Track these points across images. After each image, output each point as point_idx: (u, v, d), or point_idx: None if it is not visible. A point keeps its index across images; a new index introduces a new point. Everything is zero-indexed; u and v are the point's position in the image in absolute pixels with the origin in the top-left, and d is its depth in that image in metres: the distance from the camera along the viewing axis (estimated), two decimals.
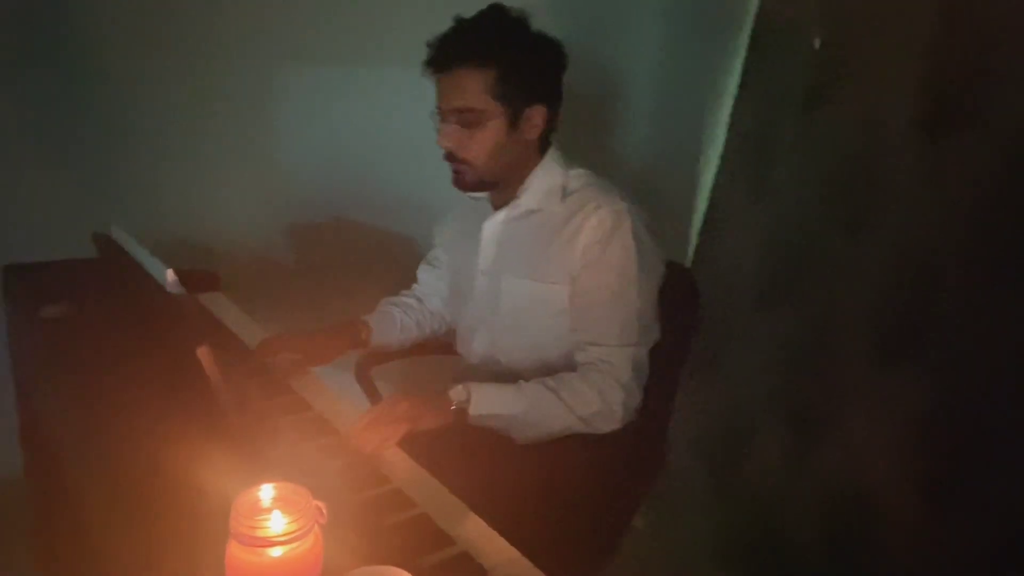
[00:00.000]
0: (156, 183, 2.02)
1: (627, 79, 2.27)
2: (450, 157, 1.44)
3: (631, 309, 1.41)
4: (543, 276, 1.45)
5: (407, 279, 2.06)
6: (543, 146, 1.48)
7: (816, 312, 1.97)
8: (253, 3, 2.01)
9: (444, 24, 1.43)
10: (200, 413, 1.06)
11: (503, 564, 1.05)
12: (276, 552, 0.85)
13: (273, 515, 0.87)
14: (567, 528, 1.37)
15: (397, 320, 1.68)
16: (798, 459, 2.00)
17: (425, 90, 2.12)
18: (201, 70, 2.02)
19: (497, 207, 1.52)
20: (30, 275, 1.82)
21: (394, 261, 2.24)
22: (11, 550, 1.76)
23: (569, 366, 1.44)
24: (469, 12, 1.42)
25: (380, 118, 2.14)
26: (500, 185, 1.48)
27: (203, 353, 1.09)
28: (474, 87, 1.37)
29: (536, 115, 1.42)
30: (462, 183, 1.46)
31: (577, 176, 1.48)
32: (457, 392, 1.34)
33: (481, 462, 1.39)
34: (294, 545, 0.86)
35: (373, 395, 1.74)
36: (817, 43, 1.96)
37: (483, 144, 1.40)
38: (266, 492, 0.88)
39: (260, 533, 0.85)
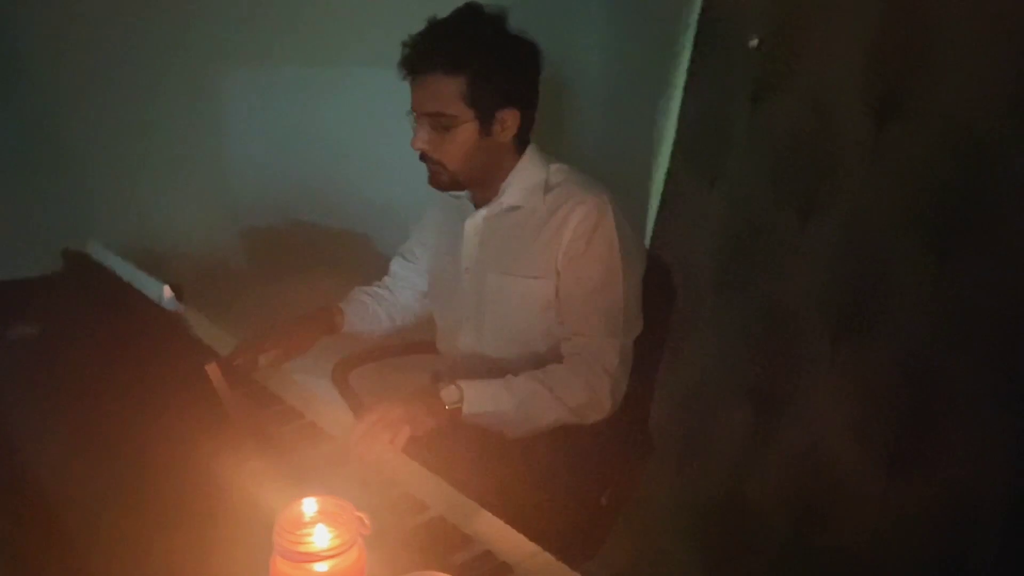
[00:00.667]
0: (116, 195, 1.97)
1: (577, 73, 2.30)
2: (424, 158, 1.46)
3: (616, 300, 1.45)
4: (528, 271, 1.48)
5: (364, 277, 2.06)
6: (521, 144, 1.50)
7: (772, 293, 2.05)
8: (197, 4, 1.97)
9: (398, 22, 1.43)
10: (211, 430, 1.05)
11: (526, 559, 1.08)
12: (322, 567, 0.86)
13: (317, 529, 0.88)
14: (562, 516, 1.41)
15: (370, 308, 1.70)
16: (761, 435, 2.08)
17: (378, 88, 2.12)
18: (145, 76, 1.97)
19: (478, 204, 1.55)
20: None
21: (351, 260, 2.24)
22: None
23: (556, 359, 1.47)
24: (422, 11, 1.41)
25: (333, 118, 2.13)
26: (478, 184, 1.50)
27: (212, 370, 1.09)
28: (445, 93, 1.39)
29: (508, 118, 1.44)
30: (437, 182, 1.48)
31: (558, 171, 1.51)
32: (449, 392, 1.35)
33: (470, 459, 1.40)
34: (339, 559, 0.87)
35: (351, 399, 1.74)
36: (755, 42, 2.03)
37: (455, 147, 1.42)
38: (309, 506, 0.88)
39: (304, 548, 0.86)
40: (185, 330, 1.14)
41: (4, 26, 1.85)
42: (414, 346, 1.83)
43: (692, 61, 2.19)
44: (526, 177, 1.50)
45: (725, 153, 2.14)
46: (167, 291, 1.16)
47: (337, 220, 2.22)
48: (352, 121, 2.12)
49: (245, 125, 2.09)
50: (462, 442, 1.41)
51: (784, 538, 2.05)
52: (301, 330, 1.59)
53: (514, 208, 1.50)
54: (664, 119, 2.27)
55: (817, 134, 1.96)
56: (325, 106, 2.12)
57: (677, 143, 2.26)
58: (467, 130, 1.41)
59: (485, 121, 1.41)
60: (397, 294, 1.74)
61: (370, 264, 2.18)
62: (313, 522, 0.88)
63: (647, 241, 2.29)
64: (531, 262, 1.47)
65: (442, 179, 1.46)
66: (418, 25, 1.43)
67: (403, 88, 2.12)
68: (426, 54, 1.38)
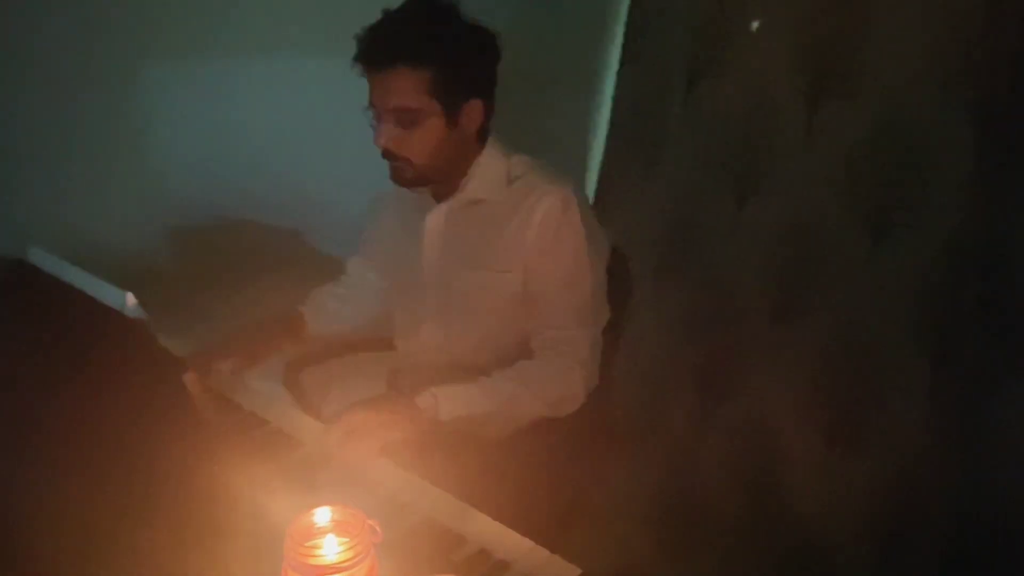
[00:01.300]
0: (46, 198, 1.85)
1: (509, 59, 2.28)
2: (387, 154, 1.41)
3: (585, 291, 1.45)
4: (495, 265, 1.46)
5: (303, 275, 1.99)
6: (482, 136, 1.48)
7: (712, 277, 2.09)
8: None
9: (336, 9, 1.37)
10: (195, 441, 1.00)
11: (522, 556, 1.08)
12: None
13: (327, 540, 0.85)
14: (542, 509, 1.41)
15: (331, 309, 1.65)
16: (705, 416, 2.13)
17: (317, 79, 2.06)
18: (65, 71, 1.86)
19: (439, 198, 1.51)
20: None
21: (290, 257, 2.17)
22: None
23: (523, 352, 1.46)
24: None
25: (270, 111, 2.04)
26: (441, 178, 1.47)
27: (190, 380, 1.04)
28: (410, 86, 1.35)
29: (474, 109, 1.41)
30: (401, 180, 1.43)
31: (519, 162, 1.49)
32: (424, 399, 1.33)
33: (446, 458, 1.39)
34: (353, 571, 0.84)
35: (304, 401, 1.69)
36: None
37: (422, 142, 1.38)
38: (320, 516, 0.85)
39: (317, 561, 0.83)
40: (152, 339, 1.08)
41: None
42: (365, 343, 1.79)
43: (625, 46, 2.21)
44: (488, 169, 1.47)
45: (661, 138, 2.17)
46: (130, 298, 1.09)
47: (275, 217, 2.14)
48: (290, 114, 2.05)
49: (174, 120, 1.98)
50: (436, 441, 1.38)
51: (733, 513, 2.11)
52: (263, 336, 1.53)
53: (477, 201, 1.48)
54: (600, 103, 2.28)
55: (752, 118, 2.00)
56: (261, 99, 2.04)
57: (612, 129, 2.27)
58: (434, 124, 1.37)
59: (451, 114, 1.38)
60: (358, 292, 1.69)
61: (308, 261, 2.13)
62: (323, 532, 0.86)
63: None
64: (497, 256, 1.46)
65: (407, 176, 1.42)
66: (358, 12, 1.38)
67: (343, 78, 2.07)
68: (387, 47, 1.34)
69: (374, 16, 1.40)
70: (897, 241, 1.83)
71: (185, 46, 1.95)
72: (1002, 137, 1.68)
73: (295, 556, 0.83)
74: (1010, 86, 1.65)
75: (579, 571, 1.05)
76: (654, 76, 2.17)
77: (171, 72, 1.96)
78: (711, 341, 2.12)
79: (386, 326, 1.69)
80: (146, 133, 1.98)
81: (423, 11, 1.37)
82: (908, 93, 1.77)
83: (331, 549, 0.84)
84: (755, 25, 1.87)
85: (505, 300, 1.47)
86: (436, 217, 1.51)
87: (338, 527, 0.86)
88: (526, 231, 1.42)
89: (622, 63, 2.23)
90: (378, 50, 1.34)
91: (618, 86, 2.25)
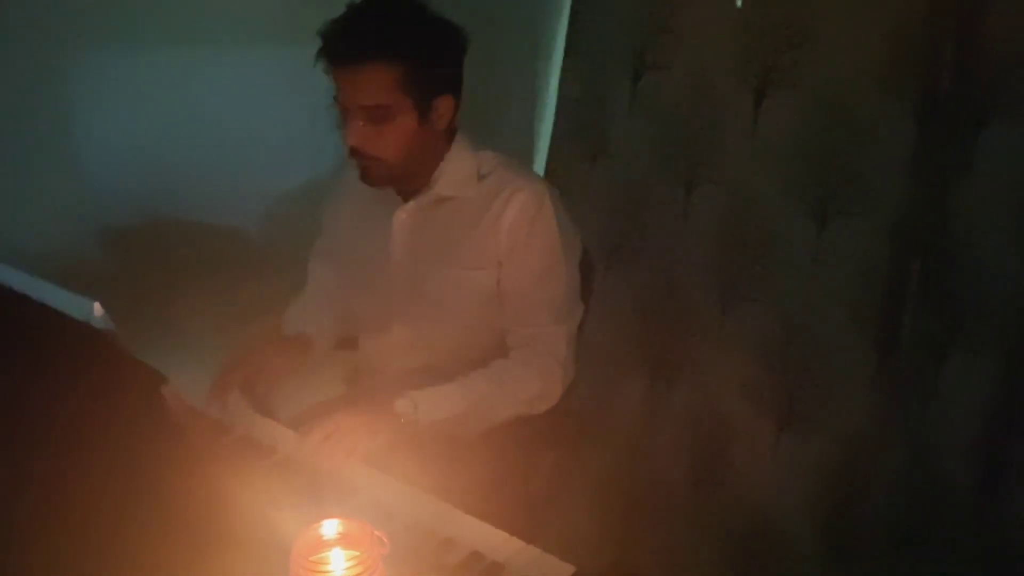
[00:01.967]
0: None
1: None
2: (357, 153, 1.37)
3: (560, 287, 1.45)
4: (467, 263, 1.45)
5: (245, 277, 1.95)
6: (450, 132, 1.46)
7: (662, 265, 2.11)
8: None
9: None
10: (179, 456, 0.97)
11: (514, 556, 1.08)
12: None
13: (334, 553, 0.83)
14: (514, 497, 1.42)
15: (298, 316, 1.60)
16: (657, 402, 2.16)
17: (260, 70, 2.00)
18: None
19: (406, 196, 1.48)
20: None
21: (231, 259, 2.10)
22: None
23: (495, 349, 1.46)
24: None
25: (209, 104, 1.97)
26: (411, 176, 1.44)
27: (170, 392, 1.00)
28: (382, 83, 1.31)
29: (444, 105, 1.39)
30: (371, 179, 1.40)
31: (487, 159, 1.47)
32: (403, 404, 1.32)
33: (422, 460, 1.37)
34: None
35: (263, 408, 1.65)
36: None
37: (394, 140, 1.35)
38: (327, 529, 0.83)
39: None
40: (124, 351, 1.03)
41: None
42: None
43: (569, 38, 2.21)
44: (457, 166, 1.45)
45: (607, 129, 2.18)
46: (97, 308, 1.04)
47: (214, 216, 2.07)
48: (231, 107, 1.98)
49: (106, 114, 1.89)
50: (405, 441, 1.37)
51: (684, 497, 2.14)
52: (279, 361, 1.48)
53: (447, 199, 1.46)
54: (545, 94, 2.28)
55: (697, 109, 2.02)
56: (199, 91, 1.96)
57: (558, 121, 2.27)
58: (405, 121, 1.35)
59: (423, 110, 1.36)
60: (330, 297, 1.64)
61: (252, 262, 2.07)
62: (329, 545, 0.84)
63: None
64: (469, 253, 1.44)
65: (378, 175, 1.39)
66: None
67: (289, 69, 2.01)
68: (358, 42, 1.30)
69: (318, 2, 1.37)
70: (841, 228, 1.88)
71: (122, 35, 1.87)
72: (941, 127, 1.74)
73: (302, 572, 0.81)
74: (950, 78, 1.71)
75: (572, 569, 1.05)
76: (599, 68, 2.17)
77: (99, 65, 1.87)
78: (662, 329, 2.14)
79: (345, 326, 1.66)
80: (72, 131, 1.88)
81: (392, 5, 1.34)
82: (850, 85, 1.81)
83: (338, 563, 0.82)
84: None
85: (477, 298, 1.46)
86: (404, 215, 1.48)
87: (344, 540, 0.84)
88: (499, 228, 1.41)
89: (566, 55, 2.22)
90: (348, 46, 1.30)
91: (563, 78, 2.25)
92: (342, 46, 1.31)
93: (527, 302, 1.44)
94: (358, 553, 0.82)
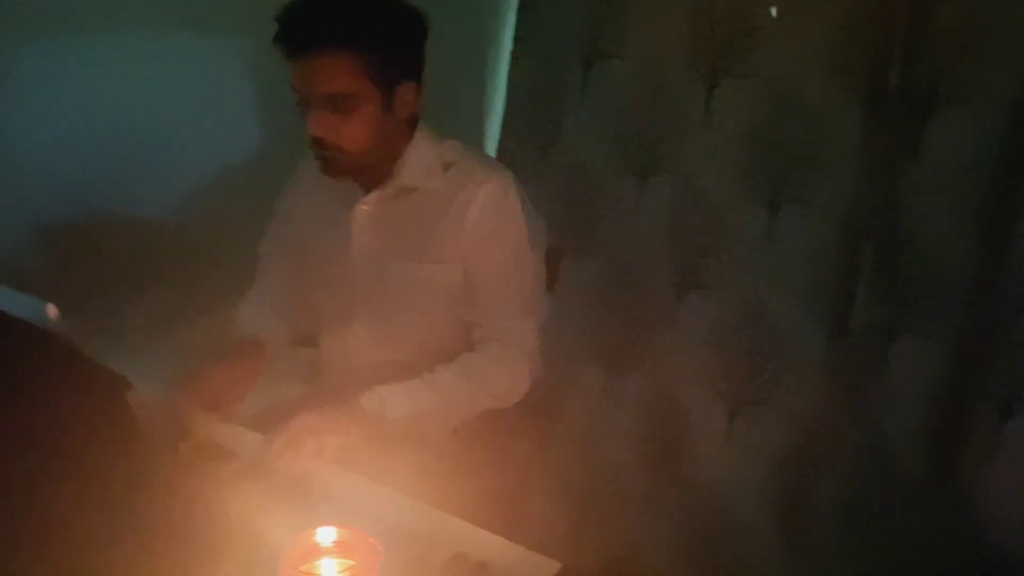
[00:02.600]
0: None
1: None
2: (317, 143, 1.32)
3: (527, 279, 1.43)
4: (432, 255, 1.41)
5: (188, 276, 1.86)
6: (412, 121, 1.42)
7: (616, 254, 2.11)
8: None
9: None
10: (145, 461, 0.92)
11: (498, 554, 1.06)
12: None
13: (325, 563, 0.80)
14: (487, 492, 1.40)
15: (253, 316, 1.54)
16: (611, 393, 2.16)
17: (208, 59, 1.92)
18: None
19: (368, 187, 1.43)
20: None
21: (171, 257, 2.01)
22: None
23: (463, 346, 1.43)
24: None
25: (151, 95, 1.88)
26: (374, 166, 1.40)
27: (134, 397, 0.95)
28: (344, 71, 1.27)
29: (408, 92, 1.36)
30: (334, 170, 1.36)
31: (451, 148, 1.44)
32: (370, 399, 1.29)
33: (383, 456, 1.34)
34: None
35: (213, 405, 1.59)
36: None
37: (358, 129, 1.31)
38: (321, 537, 0.80)
39: None
40: (81, 353, 0.98)
41: None
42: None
43: (520, 24, 2.18)
44: (421, 156, 1.41)
45: (558, 120, 2.16)
46: (51, 309, 0.99)
47: (153, 208, 1.98)
48: (175, 98, 1.89)
49: (43, 106, 1.79)
50: (373, 440, 1.33)
51: (640, 484, 2.15)
52: (240, 372, 1.40)
53: (411, 189, 1.42)
54: (495, 83, 2.25)
55: (650, 98, 2.02)
56: (141, 81, 1.87)
57: (508, 111, 2.25)
58: (369, 109, 1.30)
59: (386, 98, 1.32)
60: (284, 293, 1.58)
61: (196, 253, 1.99)
62: (321, 554, 0.81)
63: None
64: (434, 246, 1.41)
65: (341, 166, 1.35)
66: None
67: (229, 55, 1.94)
68: (317, 29, 1.25)
69: None
70: (792, 215, 1.91)
71: (61, 22, 1.77)
72: (890, 115, 1.78)
73: None
74: (899, 67, 1.74)
75: (558, 566, 1.04)
76: (550, 56, 2.14)
77: (23, 55, 1.77)
78: (615, 318, 2.14)
79: (302, 323, 1.61)
80: (7, 121, 1.78)
81: None
82: (801, 73, 1.84)
83: (330, 572, 0.79)
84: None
85: (442, 292, 1.43)
86: (366, 207, 1.44)
87: (338, 548, 0.81)
88: (465, 220, 1.38)
89: (516, 42, 2.19)
90: (306, 31, 1.25)
91: (513, 66, 2.22)
92: (300, 33, 1.26)
93: (495, 294, 1.42)
94: (352, 562, 0.79)
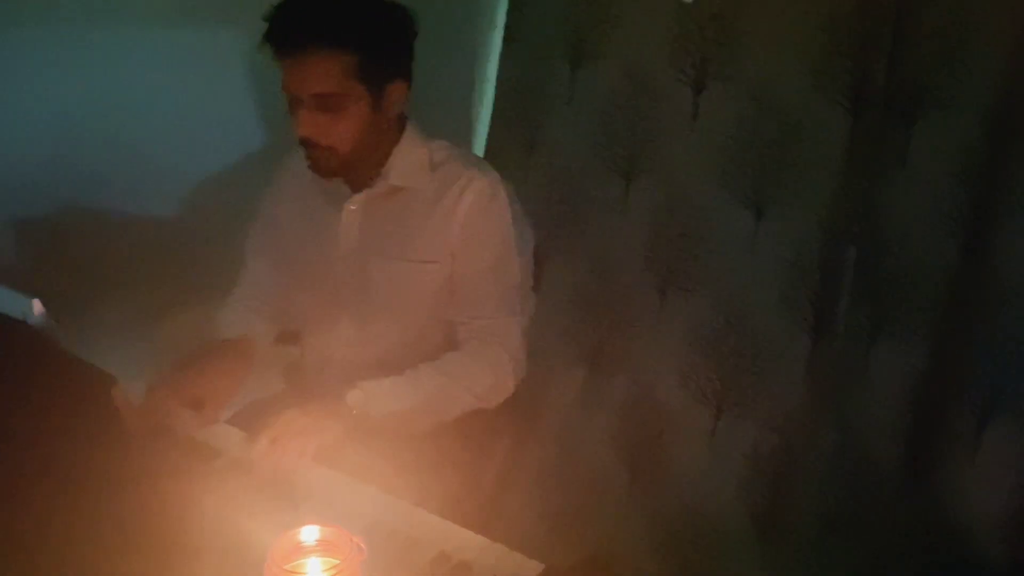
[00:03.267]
0: None
1: None
2: (307, 143, 1.32)
3: (512, 278, 1.43)
4: (419, 255, 1.41)
5: (169, 274, 1.83)
6: (400, 120, 1.42)
7: (600, 255, 2.12)
8: None
9: None
10: (128, 459, 0.92)
11: (481, 554, 1.06)
12: None
13: (311, 562, 0.80)
14: (468, 490, 1.40)
15: (240, 318, 1.52)
16: (596, 390, 2.16)
17: (185, 53, 1.90)
18: None
19: (356, 187, 1.43)
20: None
21: (147, 244, 2.00)
22: None
23: (449, 345, 1.43)
24: None
25: (129, 88, 1.86)
26: (362, 166, 1.40)
27: (118, 394, 0.95)
28: (334, 70, 1.27)
29: (396, 91, 1.36)
30: (324, 169, 1.35)
31: (439, 148, 1.44)
32: (354, 396, 1.28)
33: (363, 454, 1.34)
34: None
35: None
36: None
37: (347, 128, 1.31)
38: (305, 536, 0.80)
39: None
40: (67, 352, 0.97)
41: None
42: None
43: (509, 24, 2.19)
44: (409, 155, 1.41)
45: (545, 118, 2.16)
46: (36, 306, 0.98)
47: (132, 204, 1.96)
48: (163, 96, 1.88)
49: (28, 102, 1.77)
50: (354, 439, 1.33)
51: (622, 485, 2.16)
52: (222, 371, 1.37)
53: (399, 189, 1.41)
54: (482, 82, 2.25)
55: (636, 99, 2.03)
56: (130, 79, 1.85)
57: (496, 108, 2.25)
58: (359, 109, 1.30)
59: (375, 97, 1.32)
60: (268, 292, 1.56)
61: (176, 249, 1.98)
62: (303, 553, 0.81)
63: None
64: (422, 246, 1.41)
65: (331, 165, 1.35)
66: None
67: (228, 55, 1.93)
68: (307, 28, 1.25)
69: None
70: (776, 218, 1.92)
71: (36, 13, 1.75)
72: (874, 120, 1.79)
73: None
74: (884, 72, 1.75)
75: (541, 566, 1.04)
76: (537, 56, 2.15)
77: (16, 43, 1.75)
78: (598, 319, 2.15)
79: (286, 321, 1.60)
80: None
81: None
82: (786, 78, 1.85)
83: (315, 571, 0.79)
84: None
85: (430, 292, 1.43)
86: (354, 207, 1.44)
87: (322, 547, 0.81)
88: (453, 219, 1.39)
89: (505, 42, 2.20)
90: (296, 31, 1.25)
91: (501, 65, 2.22)
92: (291, 32, 1.26)
93: (480, 293, 1.42)
94: (337, 561, 0.79)
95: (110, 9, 1.84)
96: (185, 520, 0.84)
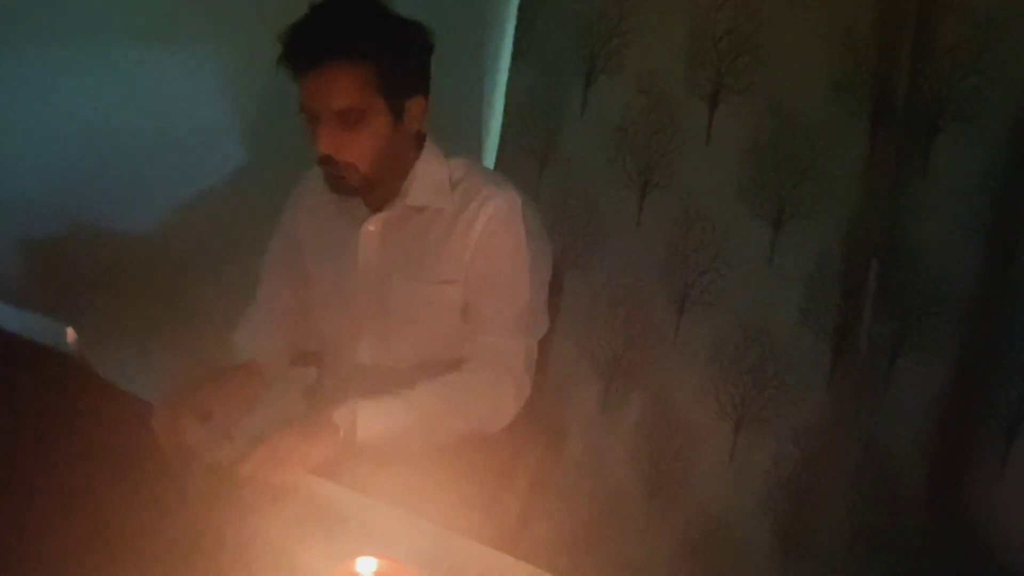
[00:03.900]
0: None
1: None
2: (327, 161, 1.30)
3: (523, 298, 1.39)
4: (439, 276, 1.39)
5: (170, 289, 1.80)
6: (419, 137, 1.40)
7: (616, 270, 2.10)
8: None
9: None
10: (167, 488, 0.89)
11: (473, 560, 1.04)
12: None
13: None
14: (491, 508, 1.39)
15: (258, 342, 1.48)
16: (614, 406, 2.14)
17: (186, 71, 1.88)
18: None
19: (375, 206, 1.41)
20: None
21: (153, 271, 1.97)
22: None
23: None
24: None
25: (130, 107, 1.83)
26: (382, 184, 1.38)
27: (159, 423, 0.92)
28: (354, 84, 1.25)
29: (417, 106, 1.34)
30: (344, 187, 1.33)
31: (459, 165, 1.42)
32: (342, 415, 1.24)
33: (377, 472, 1.31)
34: None
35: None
36: None
37: (368, 144, 1.29)
38: (362, 568, 0.78)
39: None
40: (101, 378, 0.94)
41: None
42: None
43: (519, 39, 2.17)
44: (430, 173, 1.40)
45: (557, 133, 2.15)
46: (70, 333, 0.95)
47: (146, 222, 1.93)
48: (165, 109, 1.85)
49: (17, 116, 1.74)
50: (383, 466, 1.30)
51: (641, 502, 2.14)
52: (235, 387, 1.33)
53: (420, 209, 1.39)
54: (492, 98, 2.24)
55: (650, 113, 2.02)
56: (132, 92, 1.82)
57: (507, 123, 2.23)
58: (380, 123, 1.29)
59: (396, 111, 1.30)
60: (285, 313, 1.54)
61: (187, 273, 1.96)
62: None
63: None
64: (442, 266, 1.39)
65: (352, 183, 1.32)
66: None
67: (228, 69, 1.90)
68: (325, 42, 1.23)
69: None
70: (796, 232, 1.90)
71: (33, 33, 1.72)
72: (895, 131, 1.78)
73: None
74: (904, 84, 1.75)
75: None
76: (549, 71, 2.14)
77: (14, 63, 1.72)
78: (615, 334, 2.13)
79: (305, 342, 1.57)
80: None
81: (356, 5, 1.28)
82: (804, 89, 1.84)
83: None
84: None
85: (450, 313, 1.40)
86: (374, 227, 1.41)
87: None
88: (469, 237, 1.37)
89: (515, 58, 2.19)
90: (316, 46, 1.24)
91: (511, 81, 2.21)
92: (309, 48, 1.24)
93: (488, 310, 1.39)
94: None
95: (116, 28, 1.82)
96: (238, 548, 0.81)
